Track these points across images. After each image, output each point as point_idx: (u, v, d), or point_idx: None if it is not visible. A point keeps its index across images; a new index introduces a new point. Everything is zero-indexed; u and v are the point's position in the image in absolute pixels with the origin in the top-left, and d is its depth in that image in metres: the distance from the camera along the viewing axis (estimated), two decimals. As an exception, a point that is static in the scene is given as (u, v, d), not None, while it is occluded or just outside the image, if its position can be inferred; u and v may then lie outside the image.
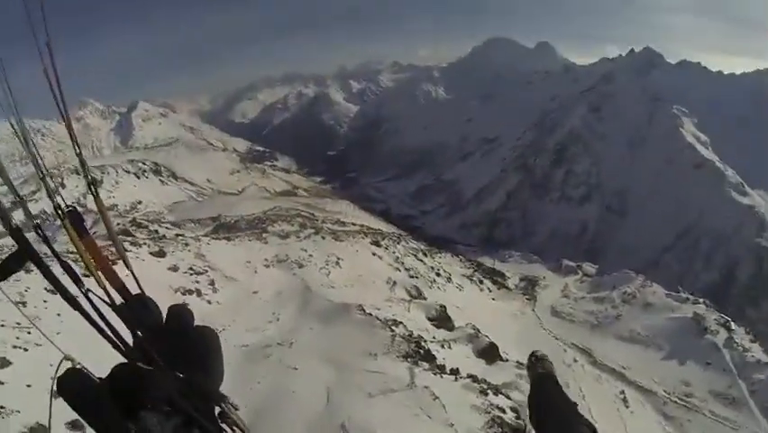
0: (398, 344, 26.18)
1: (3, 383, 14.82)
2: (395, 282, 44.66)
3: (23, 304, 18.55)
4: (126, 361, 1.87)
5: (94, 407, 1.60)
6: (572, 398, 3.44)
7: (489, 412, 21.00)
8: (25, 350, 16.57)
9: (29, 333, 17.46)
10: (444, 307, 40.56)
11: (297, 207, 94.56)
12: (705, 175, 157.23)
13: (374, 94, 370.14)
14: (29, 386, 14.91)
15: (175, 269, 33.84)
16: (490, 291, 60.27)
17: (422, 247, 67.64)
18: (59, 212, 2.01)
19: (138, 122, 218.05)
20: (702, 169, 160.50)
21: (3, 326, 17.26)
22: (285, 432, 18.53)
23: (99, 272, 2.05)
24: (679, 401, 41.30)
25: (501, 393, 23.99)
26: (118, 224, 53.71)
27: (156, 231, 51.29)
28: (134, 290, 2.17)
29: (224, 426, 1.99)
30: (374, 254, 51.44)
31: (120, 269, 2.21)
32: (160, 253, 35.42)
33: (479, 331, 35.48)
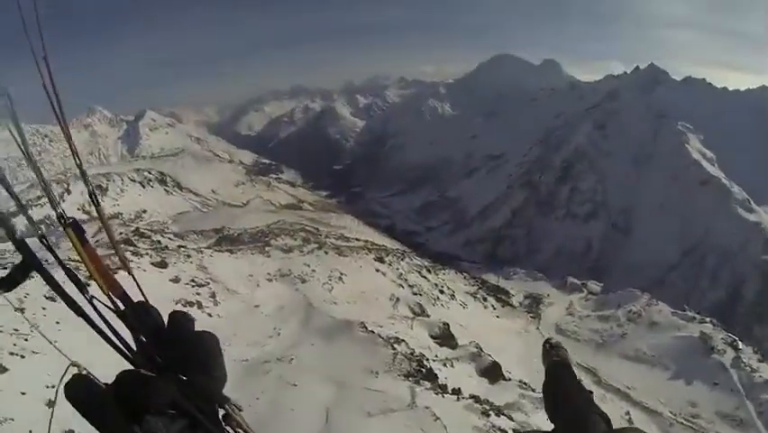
0: (400, 362, 25.83)
1: None
2: (398, 299, 44.28)
3: (22, 311, 18.34)
4: (131, 367, 1.89)
5: (100, 412, 1.66)
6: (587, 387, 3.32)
7: (491, 434, 20.64)
8: (22, 357, 16.41)
9: (26, 340, 17.29)
10: (448, 324, 40.17)
11: (301, 222, 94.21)
12: (711, 192, 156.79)
13: (380, 109, 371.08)
14: (24, 394, 14.75)
15: (176, 280, 33.61)
16: (494, 309, 59.78)
17: (426, 264, 67.20)
18: (62, 220, 1.96)
19: (145, 131, 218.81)
20: (708, 185, 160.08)
21: (0, 332, 17.13)
22: (283, 452, 18.28)
23: (101, 279, 2.04)
24: (685, 423, 40.62)
25: (503, 414, 23.60)
26: (121, 233, 53.47)
27: (158, 241, 51.02)
28: (136, 297, 2.15)
29: (228, 428, 2.03)
30: (378, 270, 51.14)
31: (121, 279, 2.15)
32: (162, 264, 35.21)
33: (481, 350, 35.11)
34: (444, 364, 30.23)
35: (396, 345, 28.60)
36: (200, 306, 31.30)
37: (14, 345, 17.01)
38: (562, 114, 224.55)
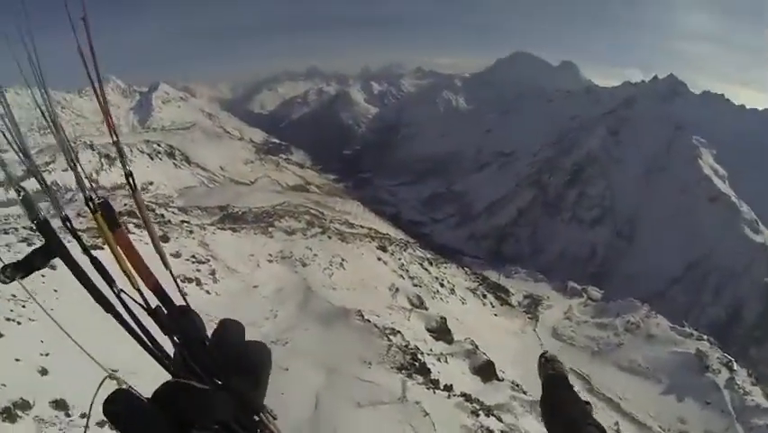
0: (394, 354, 25.78)
1: None
2: (397, 289, 44.24)
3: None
4: (175, 378, 1.74)
5: (144, 429, 1.58)
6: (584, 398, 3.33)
7: (479, 434, 20.57)
8: (18, 324, 16.40)
9: (23, 306, 17.25)
10: (445, 319, 40.12)
11: (306, 204, 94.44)
12: (719, 209, 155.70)
13: (395, 97, 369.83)
14: (18, 360, 14.75)
15: (177, 255, 33.58)
16: (493, 307, 59.67)
17: (428, 256, 67.12)
18: (91, 204, 1.79)
19: (158, 103, 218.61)
20: (717, 202, 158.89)
21: (24, 286, 17.15)
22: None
23: (134, 271, 1.89)
24: (673, 439, 40.61)
25: (493, 415, 23.55)
26: (125, 204, 53.48)
27: (162, 215, 50.99)
28: (168, 288, 1.98)
29: None
30: (379, 259, 51.10)
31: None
32: (164, 239, 35.17)
33: (477, 347, 35.05)
34: (438, 359, 30.19)
35: (391, 337, 28.55)
36: (199, 282, 31.32)
37: (11, 310, 17.01)
38: (577, 117, 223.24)
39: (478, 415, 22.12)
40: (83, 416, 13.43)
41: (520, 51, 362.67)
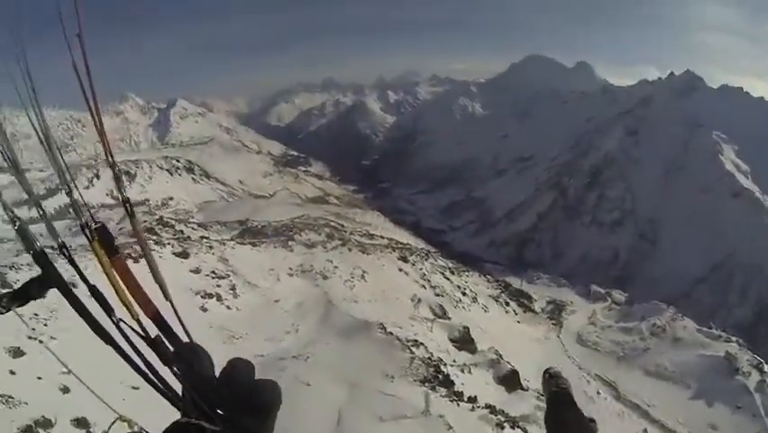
0: (417, 367, 25.57)
1: (14, 373, 14.88)
2: (419, 300, 43.99)
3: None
4: (185, 418, 1.67)
5: None
6: (589, 415, 3.29)
7: (505, 448, 20.31)
8: (40, 342, 16.46)
9: (45, 324, 17.34)
10: (468, 328, 39.85)
11: (326, 217, 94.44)
12: (743, 205, 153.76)
13: (411, 106, 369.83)
14: (39, 378, 14.84)
15: (197, 271, 33.71)
16: (516, 314, 59.27)
17: (449, 265, 66.85)
18: (87, 230, 1.74)
19: (176, 119, 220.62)
20: (740, 198, 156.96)
21: (20, 315, 17.21)
22: (291, 454, 18.07)
23: (132, 299, 1.81)
24: (703, 446, 39.73)
25: (518, 426, 23.19)
26: (145, 221, 53.82)
27: (181, 231, 51.16)
28: (170, 318, 1.88)
29: None
30: (401, 270, 50.92)
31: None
32: (184, 254, 35.31)
33: (500, 357, 34.70)
34: (462, 370, 29.93)
35: (414, 349, 28.35)
36: (219, 298, 31.37)
37: (33, 329, 17.14)
38: (594, 118, 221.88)
39: (503, 427, 21.83)
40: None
41: (534, 54, 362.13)
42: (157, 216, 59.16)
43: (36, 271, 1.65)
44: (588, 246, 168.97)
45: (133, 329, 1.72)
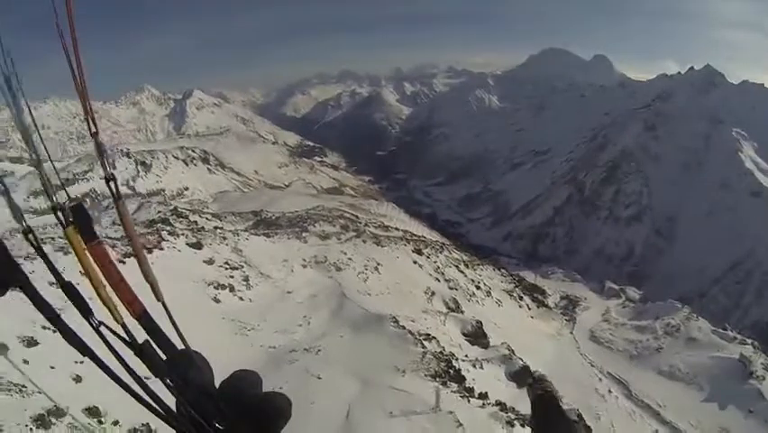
0: (428, 361, 25.42)
1: (27, 363, 15.01)
2: (433, 293, 43.91)
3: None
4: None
5: None
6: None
7: (515, 447, 20.19)
8: (54, 331, 16.53)
9: (59, 313, 17.41)
10: (481, 322, 39.66)
11: (340, 208, 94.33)
12: (763, 204, 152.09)
13: (427, 97, 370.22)
14: (53, 368, 14.98)
15: (210, 262, 33.72)
16: (529, 309, 59.00)
17: (464, 258, 66.52)
18: (59, 212, 1.45)
19: (192, 110, 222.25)
20: (760, 197, 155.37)
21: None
22: (298, 447, 18.00)
23: (116, 295, 1.51)
24: (714, 450, 39.22)
25: (529, 425, 23.01)
26: (159, 212, 54.03)
27: (195, 222, 51.28)
28: (154, 312, 1.60)
29: None
30: (415, 262, 50.77)
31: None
32: (198, 245, 35.30)
33: (513, 352, 34.46)
34: (474, 365, 29.74)
35: (426, 343, 28.23)
36: (232, 289, 31.39)
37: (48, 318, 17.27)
38: (611, 112, 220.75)
39: (513, 425, 21.63)
40: (115, 423, 13.61)
41: (551, 47, 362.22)
42: (171, 207, 59.29)
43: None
44: (603, 241, 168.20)
45: (117, 334, 1.47)
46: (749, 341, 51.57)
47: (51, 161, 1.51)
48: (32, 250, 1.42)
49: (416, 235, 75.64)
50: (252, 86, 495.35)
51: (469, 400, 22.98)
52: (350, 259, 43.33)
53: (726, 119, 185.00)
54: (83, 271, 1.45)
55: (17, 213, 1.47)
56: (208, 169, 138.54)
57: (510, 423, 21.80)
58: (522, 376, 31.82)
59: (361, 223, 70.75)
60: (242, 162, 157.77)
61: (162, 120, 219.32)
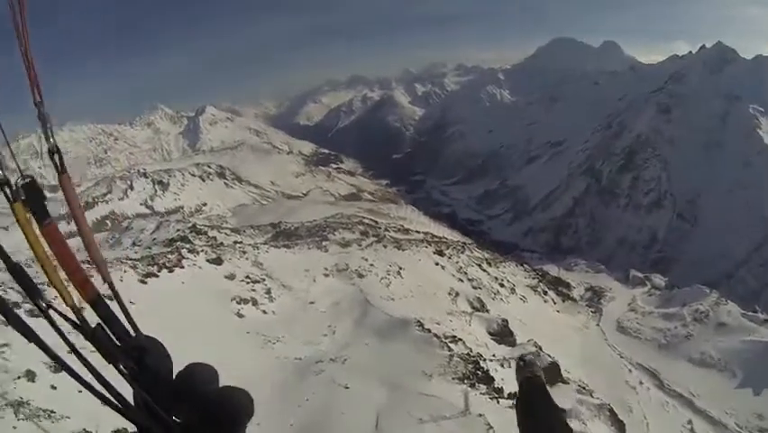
0: (456, 364, 25.27)
1: (55, 388, 14.99)
2: (457, 294, 43.68)
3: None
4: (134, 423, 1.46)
5: None
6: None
7: (547, 446, 19.95)
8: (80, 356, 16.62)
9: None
10: (507, 320, 39.44)
11: (359, 214, 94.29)
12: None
13: (439, 97, 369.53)
14: (80, 392, 14.98)
15: (231, 277, 33.78)
16: (555, 303, 58.65)
17: (486, 256, 66.23)
18: (8, 190, 1.38)
19: (205, 126, 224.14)
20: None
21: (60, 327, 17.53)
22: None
23: (69, 278, 1.48)
24: (751, 437, 38.57)
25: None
26: (178, 230, 54.35)
27: (214, 238, 51.55)
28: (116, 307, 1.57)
29: None
30: (437, 264, 50.59)
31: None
32: (218, 261, 35.40)
33: (540, 349, 34.25)
34: (502, 365, 29.50)
35: (452, 345, 28.08)
36: (255, 303, 31.43)
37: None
38: (624, 97, 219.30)
39: (543, 424, 21.51)
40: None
41: (559, 37, 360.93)
42: (190, 224, 59.57)
43: None
44: (625, 230, 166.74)
45: (66, 318, 1.43)
46: (781, 323, 50.77)
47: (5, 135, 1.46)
48: None
49: (436, 237, 75.39)
50: (264, 98, 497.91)
51: (498, 401, 22.78)
52: (371, 265, 43.21)
53: (742, 96, 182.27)
54: (33, 251, 1.39)
55: None
56: (225, 183, 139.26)
57: (541, 422, 21.61)
58: (551, 373, 31.59)
59: (380, 228, 70.71)
60: (259, 175, 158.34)
61: (177, 138, 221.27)
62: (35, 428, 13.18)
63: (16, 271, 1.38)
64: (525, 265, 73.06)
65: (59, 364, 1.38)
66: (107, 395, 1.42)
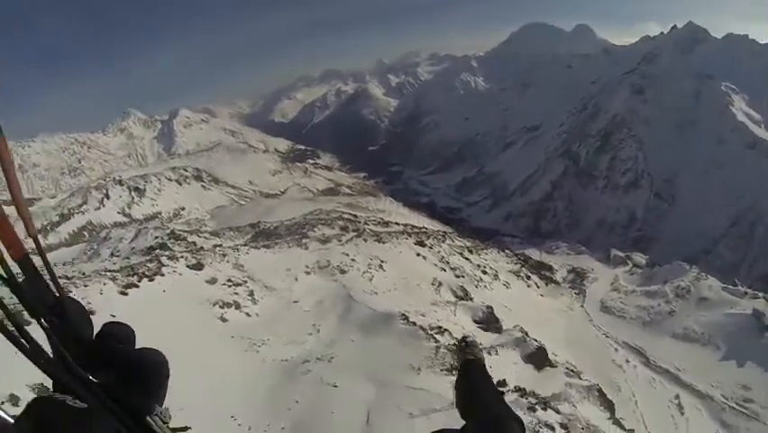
0: (443, 355, 25.23)
1: None
2: (440, 283, 43.71)
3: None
4: (50, 394, 1.59)
5: None
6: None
7: (538, 431, 19.99)
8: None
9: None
10: (491, 307, 39.54)
11: (338, 209, 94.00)
12: (759, 155, 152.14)
13: (413, 87, 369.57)
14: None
15: (213, 281, 33.46)
16: (538, 287, 58.94)
17: (468, 244, 66.35)
18: None
19: (180, 129, 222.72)
20: (756, 149, 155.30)
21: None
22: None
23: None
24: (737, 407, 38.91)
25: (550, 407, 22.86)
26: (156, 237, 53.91)
27: (194, 243, 51.16)
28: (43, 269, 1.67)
29: None
30: (418, 255, 50.58)
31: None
32: (198, 266, 35.06)
33: (526, 334, 34.24)
34: (489, 353, 29.57)
35: (438, 336, 28.06)
36: (238, 306, 31.15)
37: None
38: (598, 80, 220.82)
39: (535, 410, 21.52)
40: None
41: (532, 22, 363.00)
42: (168, 230, 59.09)
43: None
44: (604, 210, 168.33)
45: None
46: (760, 294, 51.47)
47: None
48: None
49: (416, 227, 75.30)
50: (238, 97, 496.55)
51: (487, 391, 22.79)
52: (353, 260, 43.07)
53: (714, 74, 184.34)
54: None
55: None
56: (202, 186, 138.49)
57: (532, 408, 21.70)
58: (538, 357, 31.71)
59: (360, 222, 70.50)
60: (236, 175, 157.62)
61: (151, 143, 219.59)
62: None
63: None
64: (506, 251, 73.35)
65: None
66: (27, 346, 1.46)
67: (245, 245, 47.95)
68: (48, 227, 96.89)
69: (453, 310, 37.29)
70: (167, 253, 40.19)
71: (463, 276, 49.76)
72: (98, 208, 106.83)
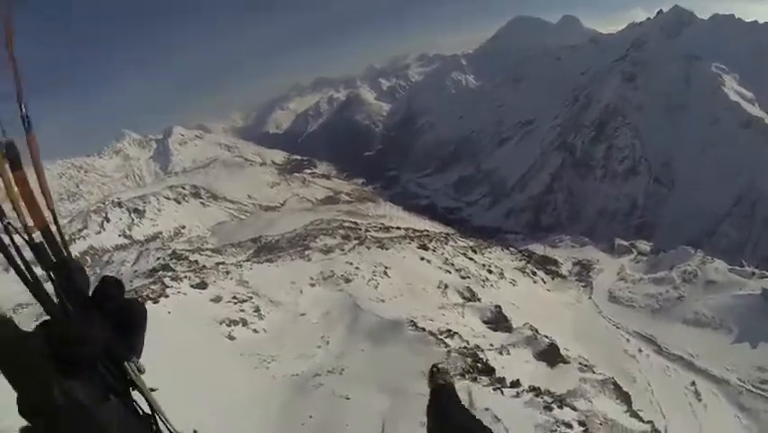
0: (454, 359, 25.04)
1: None
2: (446, 286, 43.51)
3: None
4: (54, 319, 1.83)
5: (20, 363, 1.62)
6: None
7: (555, 430, 19.67)
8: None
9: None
10: (500, 307, 39.37)
11: (338, 218, 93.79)
12: (754, 133, 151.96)
13: (404, 89, 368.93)
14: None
15: (218, 300, 33.26)
16: (545, 282, 58.69)
17: (471, 244, 66.10)
18: None
19: (175, 147, 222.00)
20: (751, 127, 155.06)
21: None
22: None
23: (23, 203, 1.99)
24: (755, 390, 38.57)
25: (566, 405, 22.53)
26: (158, 258, 53.68)
27: (196, 261, 50.97)
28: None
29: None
30: (422, 259, 50.39)
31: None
32: (202, 285, 34.87)
33: (537, 332, 34.01)
34: (500, 353, 29.36)
35: (448, 341, 27.88)
36: (245, 323, 30.93)
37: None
38: (588, 70, 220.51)
39: (551, 409, 21.21)
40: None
41: (518, 16, 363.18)
42: (170, 251, 58.85)
43: None
44: (604, 200, 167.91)
45: (19, 232, 1.84)
46: (768, 273, 51.08)
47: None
48: None
49: (418, 231, 75.10)
50: (231, 110, 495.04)
51: (502, 392, 22.55)
52: (357, 268, 42.91)
53: (702, 56, 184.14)
54: (5, 189, 1.85)
55: None
56: (201, 203, 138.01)
57: (548, 407, 21.39)
58: (550, 354, 31.46)
59: (361, 229, 70.24)
60: (234, 190, 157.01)
61: (148, 163, 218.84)
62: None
63: None
64: (510, 248, 73.18)
65: (9, 261, 1.72)
66: (32, 281, 1.78)
67: (248, 261, 47.81)
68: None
69: (461, 312, 37.10)
70: (170, 274, 40.05)
71: (469, 277, 49.56)
72: (99, 232, 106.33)
